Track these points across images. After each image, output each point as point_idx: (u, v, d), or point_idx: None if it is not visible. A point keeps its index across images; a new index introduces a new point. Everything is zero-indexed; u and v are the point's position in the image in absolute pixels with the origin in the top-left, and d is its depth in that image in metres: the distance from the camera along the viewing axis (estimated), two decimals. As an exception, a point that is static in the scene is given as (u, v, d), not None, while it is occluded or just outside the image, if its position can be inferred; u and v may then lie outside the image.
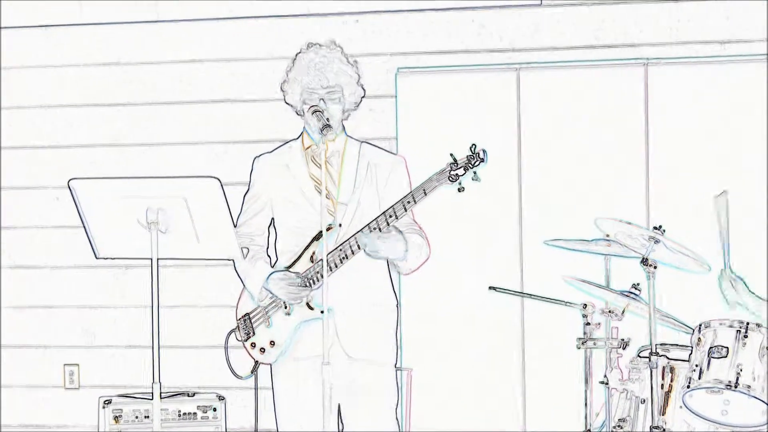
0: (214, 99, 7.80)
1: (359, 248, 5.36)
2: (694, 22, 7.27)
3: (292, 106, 5.53)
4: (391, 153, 5.72)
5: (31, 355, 8.04)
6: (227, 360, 5.54)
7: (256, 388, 5.80)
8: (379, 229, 5.31)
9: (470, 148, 5.29)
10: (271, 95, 6.66)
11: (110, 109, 7.86)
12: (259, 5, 7.73)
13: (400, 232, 5.39)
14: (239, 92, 7.73)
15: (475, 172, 5.28)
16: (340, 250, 5.33)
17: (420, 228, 5.52)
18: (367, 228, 5.33)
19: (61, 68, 7.93)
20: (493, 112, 7.39)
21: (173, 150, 7.73)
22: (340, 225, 5.36)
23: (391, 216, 5.31)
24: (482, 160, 5.29)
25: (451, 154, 5.28)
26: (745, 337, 5.59)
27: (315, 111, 5.36)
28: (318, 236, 5.35)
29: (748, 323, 5.64)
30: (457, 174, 5.28)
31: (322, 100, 5.41)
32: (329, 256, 5.26)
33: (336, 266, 5.31)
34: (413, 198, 5.29)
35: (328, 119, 5.34)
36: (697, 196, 6.90)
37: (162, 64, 7.83)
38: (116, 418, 6.76)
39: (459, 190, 5.29)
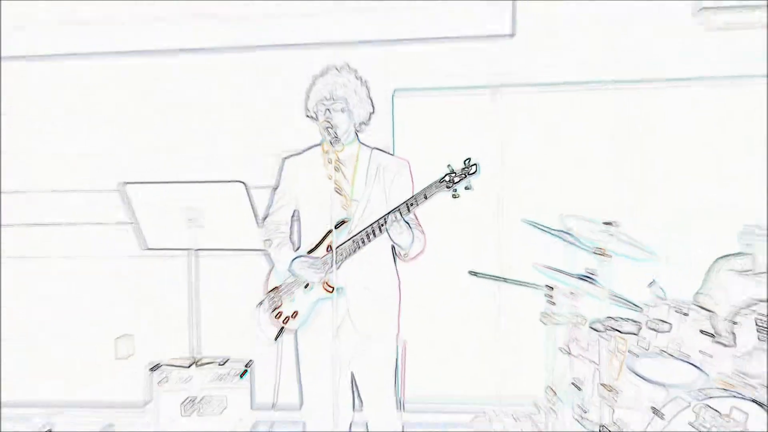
0: (243, 116, 7.74)
1: (376, 234, 5.44)
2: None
3: (309, 117, 5.65)
4: (398, 157, 5.77)
5: (88, 331, 8.14)
6: (257, 326, 5.66)
7: (278, 360, 5.73)
8: (385, 222, 5.42)
9: (464, 162, 5.44)
10: (291, 113, 6.75)
11: (162, 123, 7.85)
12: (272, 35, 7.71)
13: (410, 227, 5.52)
14: (263, 109, 7.67)
15: (469, 183, 5.43)
16: (353, 241, 5.47)
17: (420, 226, 5.65)
18: (379, 222, 5.42)
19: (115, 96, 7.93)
20: (477, 128, 7.47)
21: (215, 158, 7.55)
22: (353, 216, 5.48)
23: (399, 213, 5.42)
24: (475, 172, 5.45)
25: (449, 165, 5.43)
26: (685, 314, 5.80)
27: (326, 127, 5.47)
28: (335, 226, 5.46)
29: (686, 302, 5.89)
30: (452, 182, 5.40)
31: (329, 110, 5.52)
32: (345, 244, 5.41)
33: (350, 254, 5.47)
34: (416, 201, 5.41)
35: (336, 134, 5.47)
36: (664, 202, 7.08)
37: (198, 88, 7.81)
38: (161, 381, 6.81)
39: (454, 196, 5.45)
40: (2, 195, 8.28)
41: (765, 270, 6.08)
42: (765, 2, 7.02)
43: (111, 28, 7.97)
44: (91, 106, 8.08)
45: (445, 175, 5.46)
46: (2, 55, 8.03)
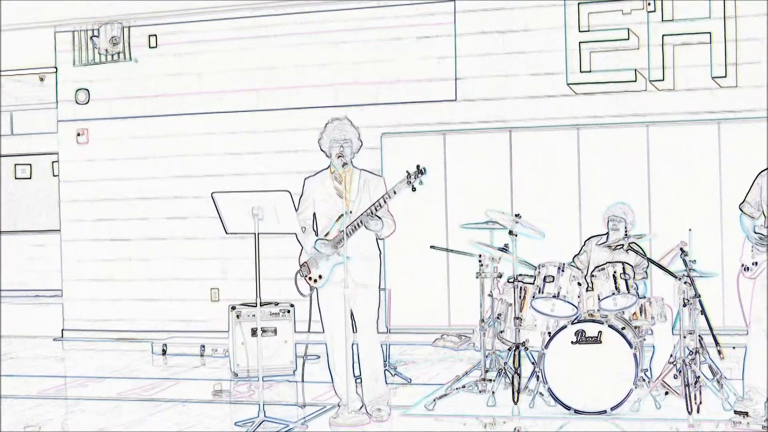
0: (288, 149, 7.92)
1: (361, 225, 5.20)
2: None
3: (323, 150, 5.37)
4: (378, 175, 5.55)
5: (189, 284, 8.18)
6: (296, 285, 5.39)
7: (310, 305, 5.37)
8: (371, 214, 5.19)
9: (417, 166, 5.15)
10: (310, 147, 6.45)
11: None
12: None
13: (380, 218, 5.21)
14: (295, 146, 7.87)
15: (421, 180, 5.13)
16: (351, 227, 5.22)
17: (391, 215, 5.34)
18: (365, 213, 5.16)
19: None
20: (433, 156, 7.51)
21: (268, 177, 7.89)
22: (351, 212, 5.22)
23: (377, 207, 5.17)
24: (424, 173, 5.14)
25: (407, 170, 5.14)
26: (563, 270, 5.57)
27: (339, 156, 5.25)
28: (339, 219, 5.25)
29: (564, 263, 5.64)
30: (410, 181, 5.12)
31: (341, 146, 5.27)
32: (346, 229, 5.21)
33: (348, 236, 5.19)
34: (389, 195, 5.17)
35: (345, 161, 5.26)
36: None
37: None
38: (237, 316, 6.71)
39: (413, 189, 5.13)
40: (152, 200, 8.25)
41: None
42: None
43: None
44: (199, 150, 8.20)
45: (405, 176, 5.16)
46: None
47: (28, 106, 9.28)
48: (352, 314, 5.38)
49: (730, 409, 5.19)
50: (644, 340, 5.64)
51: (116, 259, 8.34)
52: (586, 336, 5.37)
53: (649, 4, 7.19)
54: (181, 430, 5.40)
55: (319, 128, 5.42)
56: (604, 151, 7.33)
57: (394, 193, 5.18)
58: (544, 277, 5.59)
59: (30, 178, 9.41)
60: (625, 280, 5.48)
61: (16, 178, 9.48)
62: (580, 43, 7.39)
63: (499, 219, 5.84)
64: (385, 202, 5.21)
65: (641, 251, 5.77)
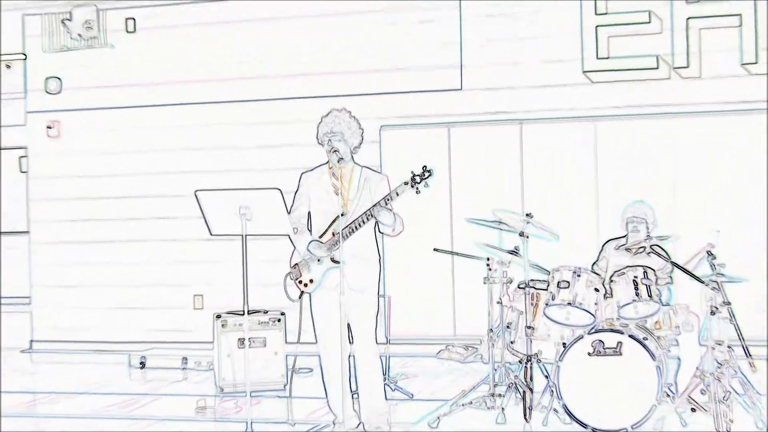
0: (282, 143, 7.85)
1: (365, 221, 5.12)
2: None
3: (320, 144, 5.30)
4: (379, 173, 5.45)
5: (171, 290, 8.10)
6: (285, 290, 5.28)
7: (300, 312, 5.27)
8: (381, 206, 5.12)
9: (422, 167, 5.07)
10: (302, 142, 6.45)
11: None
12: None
13: (391, 210, 5.12)
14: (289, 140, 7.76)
15: (426, 182, 5.07)
16: (349, 228, 5.14)
17: (398, 215, 5.21)
18: (375, 206, 5.11)
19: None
20: (437, 150, 7.50)
21: (258, 174, 7.82)
22: (348, 212, 5.13)
23: (383, 203, 5.11)
24: (430, 175, 5.08)
25: (412, 171, 5.05)
26: (579, 276, 5.45)
27: (333, 150, 5.19)
28: (335, 219, 5.16)
29: (580, 267, 5.51)
30: (415, 183, 5.05)
31: (330, 140, 5.20)
32: (344, 229, 5.15)
33: (346, 237, 5.11)
34: (390, 197, 5.08)
35: (341, 157, 5.19)
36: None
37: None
38: (223, 325, 6.69)
39: (417, 192, 5.07)
40: (130, 198, 8.21)
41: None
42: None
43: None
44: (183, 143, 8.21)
45: (409, 178, 5.10)
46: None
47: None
48: (348, 325, 5.27)
49: (764, 427, 5.12)
50: (668, 351, 5.52)
51: (90, 263, 8.31)
52: (605, 347, 5.28)
53: (672, -17, 7.40)
54: (160, 451, 5.42)
55: (315, 120, 5.33)
56: (624, 144, 7.31)
57: (397, 195, 5.11)
58: (558, 282, 5.48)
59: (-5, 175, 9.47)
60: (647, 286, 5.39)
61: (-22, 175, 9.55)
62: (597, 26, 7.39)
63: (508, 219, 5.75)
64: (386, 203, 5.13)
65: (664, 254, 5.68)
